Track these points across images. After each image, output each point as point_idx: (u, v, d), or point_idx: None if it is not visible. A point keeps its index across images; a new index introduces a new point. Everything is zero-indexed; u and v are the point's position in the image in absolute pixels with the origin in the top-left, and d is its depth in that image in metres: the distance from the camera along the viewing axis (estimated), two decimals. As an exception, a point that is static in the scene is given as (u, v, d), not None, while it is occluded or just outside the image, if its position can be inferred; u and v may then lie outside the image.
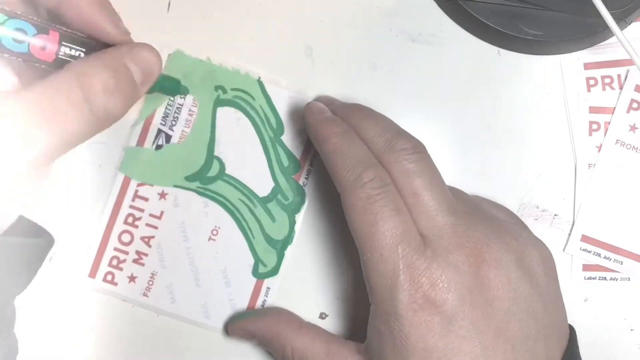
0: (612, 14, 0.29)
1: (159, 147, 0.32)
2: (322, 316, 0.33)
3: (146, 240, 0.32)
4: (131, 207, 0.32)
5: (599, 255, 0.33)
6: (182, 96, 0.32)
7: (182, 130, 0.32)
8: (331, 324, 0.33)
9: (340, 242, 0.33)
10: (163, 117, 0.32)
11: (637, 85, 0.33)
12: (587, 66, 0.33)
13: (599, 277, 0.33)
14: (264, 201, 0.33)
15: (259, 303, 0.33)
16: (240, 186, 0.33)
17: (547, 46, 0.33)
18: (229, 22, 0.33)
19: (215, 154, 0.33)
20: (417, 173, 0.27)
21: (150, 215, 0.32)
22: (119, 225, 0.32)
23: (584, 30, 0.32)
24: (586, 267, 0.33)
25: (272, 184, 0.33)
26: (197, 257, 0.33)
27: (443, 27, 0.33)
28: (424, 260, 0.25)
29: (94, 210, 0.32)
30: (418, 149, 0.28)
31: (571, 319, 0.33)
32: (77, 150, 0.30)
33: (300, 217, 0.33)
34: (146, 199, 0.32)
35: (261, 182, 0.33)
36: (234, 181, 0.33)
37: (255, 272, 0.33)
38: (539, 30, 0.32)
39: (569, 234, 0.33)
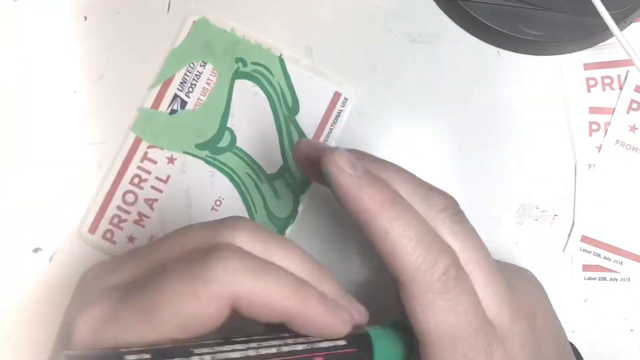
0: (611, 15, 0.29)
1: (173, 111, 0.33)
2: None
3: (150, 202, 0.33)
4: (139, 167, 0.32)
5: (599, 255, 0.33)
6: (202, 64, 0.33)
7: (198, 98, 0.33)
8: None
9: (341, 228, 0.33)
10: (181, 82, 0.33)
11: (637, 85, 0.33)
12: (587, 66, 0.33)
13: (599, 277, 0.33)
14: (271, 178, 0.33)
15: None
16: (249, 160, 0.33)
17: (547, 46, 0.33)
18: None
19: (228, 125, 0.33)
20: (473, 245, 0.24)
21: (157, 178, 0.32)
22: (125, 185, 0.32)
23: (583, 31, 0.32)
24: (586, 268, 0.33)
25: (281, 162, 0.33)
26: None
27: (443, 27, 0.33)
28: (498, 341, 0.23)
29: (102, 166, 0.32)
30: (457, 207, 0.25)
31: (571, 319, 0.33)
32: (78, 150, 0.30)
33: (305, 199, 0.33)
34: (154, 162, 0.32)
35: (270, 158, 0.33)
36: (244, 154, 0.33)
37: None
38: (538, 31, 0.32)
39: (569, 235, 0.33)
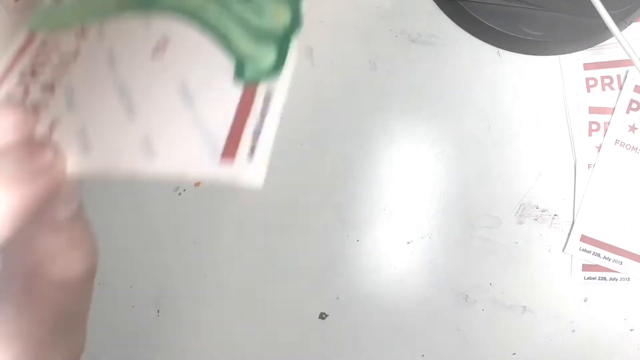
0: (611, 15, 0.29)
1: None
2: (322, 316, 0.33)
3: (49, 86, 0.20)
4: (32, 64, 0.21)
5: (599, 255, 0.33)
6: None
7: None
8: (332, 325, 0.33)
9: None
10: None
11: (636, 85, 0.33)
12: (587, 66, 0.33)
13: (599, 277, 0.33)
14: None
15: (251, 118, 0.17)
16: None
17: (547, 46, 0.33)
18: None
19: None
20: None
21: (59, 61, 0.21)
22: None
23: (583, 31, 0.32)
24: (586, 267, 0.33)
25: None
26: (130, 82, 0.20)
27: (443, 27, 0.33)
28: None
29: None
30: None
31: (571, 319, 0.33)
32: None
33: None
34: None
35: None
36: None
37: (240, 73, 0.18)
38: (538, 31, 0.32)
39: (569, 234, 0.33)
